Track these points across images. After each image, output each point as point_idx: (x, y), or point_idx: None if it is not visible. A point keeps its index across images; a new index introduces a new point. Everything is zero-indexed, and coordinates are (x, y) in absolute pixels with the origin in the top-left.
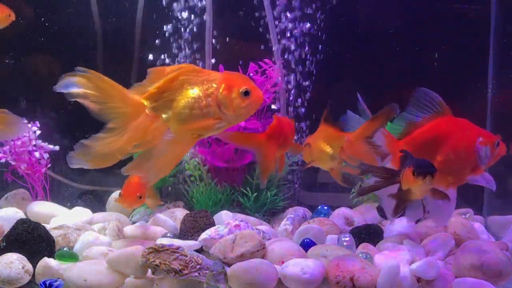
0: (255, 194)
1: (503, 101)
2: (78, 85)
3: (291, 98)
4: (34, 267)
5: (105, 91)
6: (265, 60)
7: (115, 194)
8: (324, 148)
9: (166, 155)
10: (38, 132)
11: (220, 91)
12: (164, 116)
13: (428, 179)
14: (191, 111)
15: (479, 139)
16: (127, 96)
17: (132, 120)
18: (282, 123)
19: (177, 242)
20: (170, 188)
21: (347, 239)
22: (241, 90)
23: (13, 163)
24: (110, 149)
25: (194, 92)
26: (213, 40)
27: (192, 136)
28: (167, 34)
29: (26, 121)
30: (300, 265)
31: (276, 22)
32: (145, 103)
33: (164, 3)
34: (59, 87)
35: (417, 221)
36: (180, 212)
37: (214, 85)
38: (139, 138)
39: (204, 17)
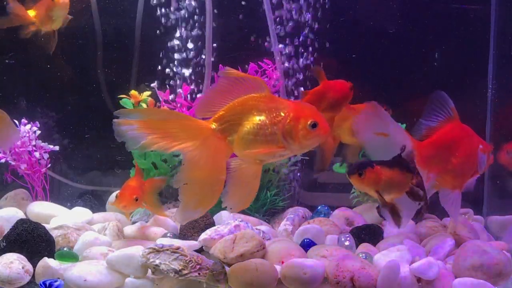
0: None
1: (503, 101)
2: (137, 130)
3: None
4: (34, 267)
5: (167, 124)
6: (265, 60)
7: (115, 194)
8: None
9: (238, 181)
10: (38, 132)
11: (288, 120)
12: (229, 138)
13: (354, 179)
14: (255, 137)
15: (480, 146)
16: (191, 121)
17: (202, 144)
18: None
19: (177, 242)
20: (170, 190)
21: (347, 239)
22: (308, 123)
23: (13, 163)
24: (201, 183)
25: (261, 118)
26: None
27: (255, 162)
28: (166, 34)
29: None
30: (300, 265)
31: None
32: (213, 125)
33: (164, 3)
34: (121, 138)
35: (417, 221)
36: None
37: (282, 114)
38: (212, 162)
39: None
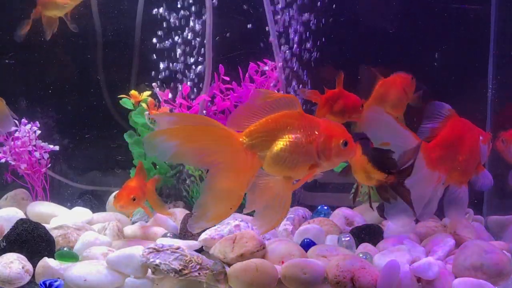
0: None
1: (503, 101)
2: (169, 143)
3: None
4: (34, 267)
5: (197, 134)
6: (265, 60)
7: (115, 194)
8: None
9: (268, 200)
10: (38, 132)
11: (322, 139)
12: (259, 154)
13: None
14: (290, 154)
15: (480, 138)
16: (223, 131)
17: (231, 158)
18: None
19: (177, 242)
20: (168, 190)
21: (347, 239)
22: (341, 141)
23: (13, 163)
24: (224, 196)
25: (296, 136)
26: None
27: (284, 177)
28: (167, 34)
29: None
30: (300, 265)
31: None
32: (244, 139)
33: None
34: (151, 152)
35: (417, 221)
36: (180, 212)
37: (316, 132)
38: (237, 176)
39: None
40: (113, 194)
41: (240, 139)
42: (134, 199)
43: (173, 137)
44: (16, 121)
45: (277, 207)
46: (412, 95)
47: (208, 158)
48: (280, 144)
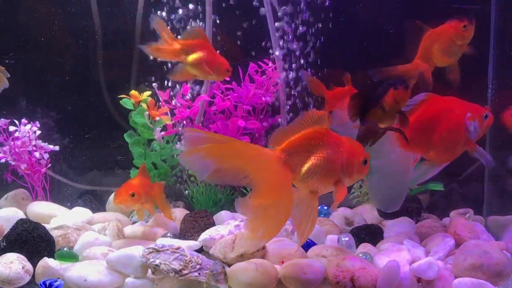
0: None
1: (503, 101)
2: (207, 161)
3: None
4: (34, 267)
5: (234, 153)
6: (265, 60)
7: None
8: None
9: (296, 212)
10: (38, 132)
11: (347, 156)
12: (293, 168)
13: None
14: (321, 170)
15: (467, 115)
16: (260, 151)
17: (271, 174)
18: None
19: (177, 242)
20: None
21: (347, 239)
22: (362, 159)
23: (13, 163)
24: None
25: (328, 152)
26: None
27: (310, 192)
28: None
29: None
30: (300, 265)
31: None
32: (282, 155)
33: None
34: (189, 168)
35: (417, 221)
36: (180, 212)
37: (341, 150)
38: (278, 192)
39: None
40: (113, 194)
41: (277, 155)
42: (133, 195)
43: (211, 156)
44: (16, 123)
45: (305, 222)
46: (465, 42)
47: (247, 175)
48: (312, 159)
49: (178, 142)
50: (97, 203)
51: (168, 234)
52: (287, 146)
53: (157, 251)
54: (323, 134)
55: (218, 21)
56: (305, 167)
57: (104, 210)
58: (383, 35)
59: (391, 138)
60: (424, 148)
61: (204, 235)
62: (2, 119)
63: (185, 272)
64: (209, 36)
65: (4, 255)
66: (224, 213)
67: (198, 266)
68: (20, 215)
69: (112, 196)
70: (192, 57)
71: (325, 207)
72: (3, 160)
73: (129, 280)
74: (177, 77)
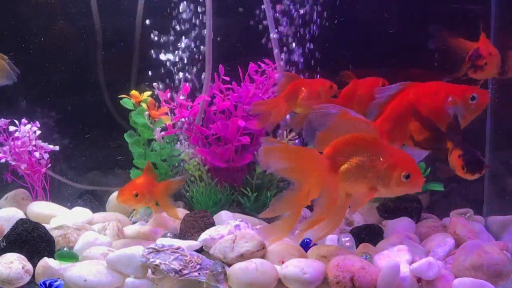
0: (255, 194)
1: (503, 101)
2: (276, 157)
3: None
4: (34, 267)
5: (295, 158)
6: (265, 60)
7: (115, 194)
8: None
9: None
10: (38, 132)
11: (384, 166)
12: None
13: (477, 176)
14: (351, 175)
15: (448, 99)
16: (314, 155)
17: (323, 177)
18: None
19: (177, 242)
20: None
21: (347, 239)
22: (402, 174)
23: (13, 163)
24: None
25: (362, 160)
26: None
27: (345, 194)
28: (167, 33)
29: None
30: (300, 265)
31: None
32: (331, 159)
33: (164, 2)
34: (262, 158)
35: (417, 221)
36: (180, 212)
37: (381, 159)
38: (328, 192)
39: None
40: (113, 194)
41: (325, 159)
42: (136, 195)
43: (280, 157)
44: (16, 123)
45: (332, 220)
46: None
47: (302, 175)
48: (352, 164)
49: (178, 142)
50: (97, 203)
51: (168, 234)
52: (334, 151)
53: (157, 251)
54: (366, 141)
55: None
56: (343, 170)
57: (104, 210)
58: (383, 36)
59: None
60: (402, 138)
61: (204, 235)
62: (2, 119)
63: (185, 272)
64: (209, 35)
65: (4, 255)
66: (224, 213)
67: (198, 266)
68: (20, 215)
69: (112, 196)
70: (300, 105)
71: None
72: (3, 160)
73: (129, 280)
74: (297, 125)
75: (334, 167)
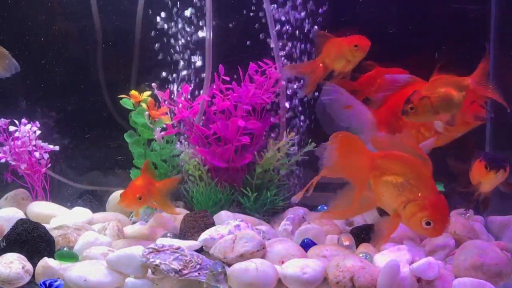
0: (255, 194)
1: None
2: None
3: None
4: (34, 267)
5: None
6: (265, 60)
7: (115, 194)
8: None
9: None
10: (38, 132)
11: (413, 201)
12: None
13: (501, 173)
14: (387, 190)
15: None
16: (365, 152)
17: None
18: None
19: (177, 242)
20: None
21: (347, 239)
22: (424, 219)
23: (13, 163)
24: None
25: (402, 182)
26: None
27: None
28: (167, 34)
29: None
30: (300, 265)
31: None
32: (375, 162)
33: (164, 2)
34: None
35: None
36: (180, 212)
37: (415, 193)
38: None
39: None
40: (113, 194)
41: (373, 157)
42: (140, 198)
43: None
44: (16, 123)
45: (352, 211)
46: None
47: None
48: (390, 177)
49: (178, 142)
50: (97, 203)
51: (168, 234)
52: (381, 159)
53: (157, 251)
54: (414, 168)
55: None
56: (380, 181)
57: (104, 210)
58: (382, 36)
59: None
60: (400, 127)
61: (204, 235)
62: (2, 119)
63: (185, 272)
64: (209, 34)
65: (4, 255)
66: (224, 213)
67: (198, 266)
68: (20, 215)
69: (112, 196)
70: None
71: (325, 207)
72: (3, 160)
73: (129, 280)
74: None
75: (374, 170)
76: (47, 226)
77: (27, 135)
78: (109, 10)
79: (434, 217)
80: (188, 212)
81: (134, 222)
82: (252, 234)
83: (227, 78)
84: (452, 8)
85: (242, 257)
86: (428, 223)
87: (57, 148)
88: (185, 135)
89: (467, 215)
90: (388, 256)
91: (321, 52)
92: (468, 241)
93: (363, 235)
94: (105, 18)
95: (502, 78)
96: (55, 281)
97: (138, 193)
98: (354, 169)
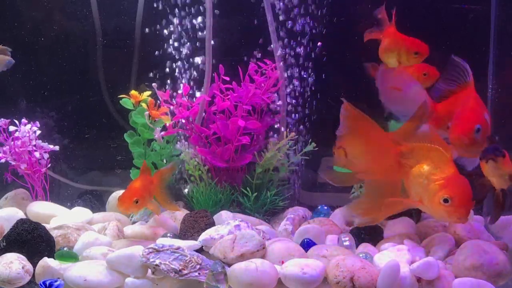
0: (255, 194)
1: (503, 101)
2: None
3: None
4: (34, 267)
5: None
6: (265, 60)
7: (115, 194)
8: None
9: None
10: (38, 132)
11: (431, 184)
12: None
13: (491, 163)
14: (411, 181)
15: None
16: (388, 143)
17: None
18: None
19: (177, 242)
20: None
21: (347, 239)
22: (442, 197)
23: (13, 163)
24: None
25: (423, 169)
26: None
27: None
28: (167, 34)
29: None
30: (300, 265)
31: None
32: (400, 154)
33: (164, 2)
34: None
35: (417, 221)
36: (180, 212)
37: (437, 175)
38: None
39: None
40: (113, 194)
41: (397, 150)
42: (136, 202)
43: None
44: (16, 123)
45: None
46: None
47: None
48: (412, 170)
49: (178, 142)
50: (97, 203)
51: (168, 234)
52: (407, 152)
53: (157, 251)
54: (436, 155)
55: None
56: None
57: (104, 210)
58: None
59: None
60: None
61: (204, 235)
62: (2, 119)
63: (185, 272)
64: (209, 33)
65: (4, 255)
66: (224, 213)
67: (198, 266)
68: (20, 215)
69: (112, 196)
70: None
71: (325, 207)
72: (3, 160)
73: (129, 280)
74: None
75: (400, 162)
76: (47, 226)
77: (27, 135)
78: (109, 10)
79: (452, 193)
80: (188, 212)
81: (134, 222)
82: (252, 234)
83: (227, 78)
84: (452, 8)
85: (242, 257)
86: (446, 200)
87: (57, 148)
88: (185, 135)
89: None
90: (388, 256)
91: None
92: (468, 241)
93: (363, 235)
94: (105, 18)
95: (502, 78)
96: (55, 281)
97: (135, 196)
98: (383, 169)
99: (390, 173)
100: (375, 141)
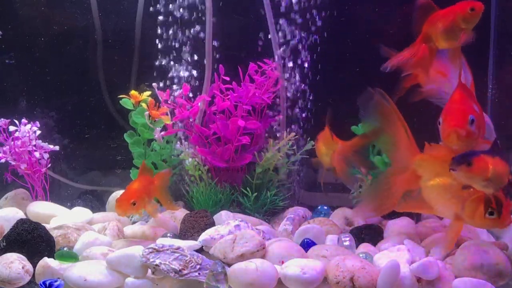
0: (255, 194)
1: (503, 101)
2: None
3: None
4: (34, 267)
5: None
6: (265, 60)
7: (115, 194)
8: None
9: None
10: (38, 132)
11: (470, 198)
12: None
13: (460, 174)
14: (437, 193)
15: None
16: (413, 149)
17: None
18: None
19: (177, 242)
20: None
21: (347, 239)
22: (487, 211)
23: (13, 163)
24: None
25: (451, 183)
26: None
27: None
28: (167, 34)
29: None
30: (300, 265)
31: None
32: (416, 162)
33: (164, 2)
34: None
35: (417, 221)
36: (180, 212)
37: (470, 189)
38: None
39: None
40: (113, 194)
41: (414, 159)
42: (134, 204)
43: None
44: (16, 123)
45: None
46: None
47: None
48: (432, 184)
49: (178, 142)
50: (97, 203)
51: (168, 234)
52: (424, 157)
53: (157, 251)
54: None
55: None
56: (428, 184)
57: (104, 210)
58: (382, 36)
59: None
60: None
61: (204, 235)
62: (2, 119)
63: (185, 272)
64: (209, 32)
65: (4, 255)
66: (224, 213)
67: (198, 266)
68: (20, 215)
69: (112, 196)
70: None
71: (325, 207)
72: (3, 160)
73: (129, 280)
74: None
75: (414, 169)
76: (47, 226)
77: (27, 135)
78: (109, 10)
79: (494, 205)
80: (188, 212)
81: (134, 222)
82: (252, 234)
83: (227, 78)
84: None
85: (242, 257)
86: (491, 213)
87: (57, 148)
88: (185, 134)
89: None
90: (388, 256)
91: (423, 30)
92: (468, 241)
93: (363, 235)
94: (105, 18)
95: (502, 78)
96: (55, 281)
97: (132, 198)
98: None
99: (405, 177)
100: (402, 141)
